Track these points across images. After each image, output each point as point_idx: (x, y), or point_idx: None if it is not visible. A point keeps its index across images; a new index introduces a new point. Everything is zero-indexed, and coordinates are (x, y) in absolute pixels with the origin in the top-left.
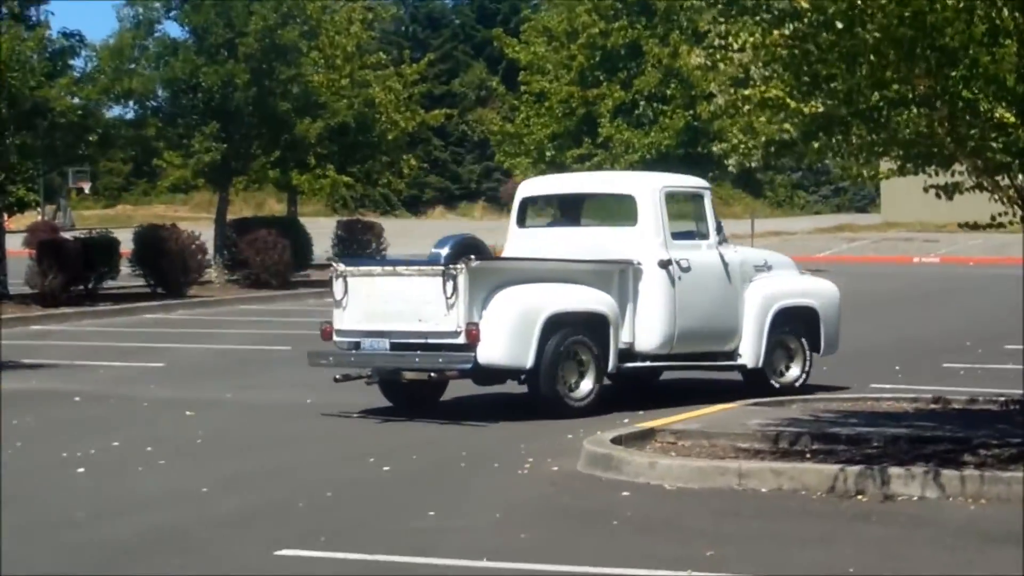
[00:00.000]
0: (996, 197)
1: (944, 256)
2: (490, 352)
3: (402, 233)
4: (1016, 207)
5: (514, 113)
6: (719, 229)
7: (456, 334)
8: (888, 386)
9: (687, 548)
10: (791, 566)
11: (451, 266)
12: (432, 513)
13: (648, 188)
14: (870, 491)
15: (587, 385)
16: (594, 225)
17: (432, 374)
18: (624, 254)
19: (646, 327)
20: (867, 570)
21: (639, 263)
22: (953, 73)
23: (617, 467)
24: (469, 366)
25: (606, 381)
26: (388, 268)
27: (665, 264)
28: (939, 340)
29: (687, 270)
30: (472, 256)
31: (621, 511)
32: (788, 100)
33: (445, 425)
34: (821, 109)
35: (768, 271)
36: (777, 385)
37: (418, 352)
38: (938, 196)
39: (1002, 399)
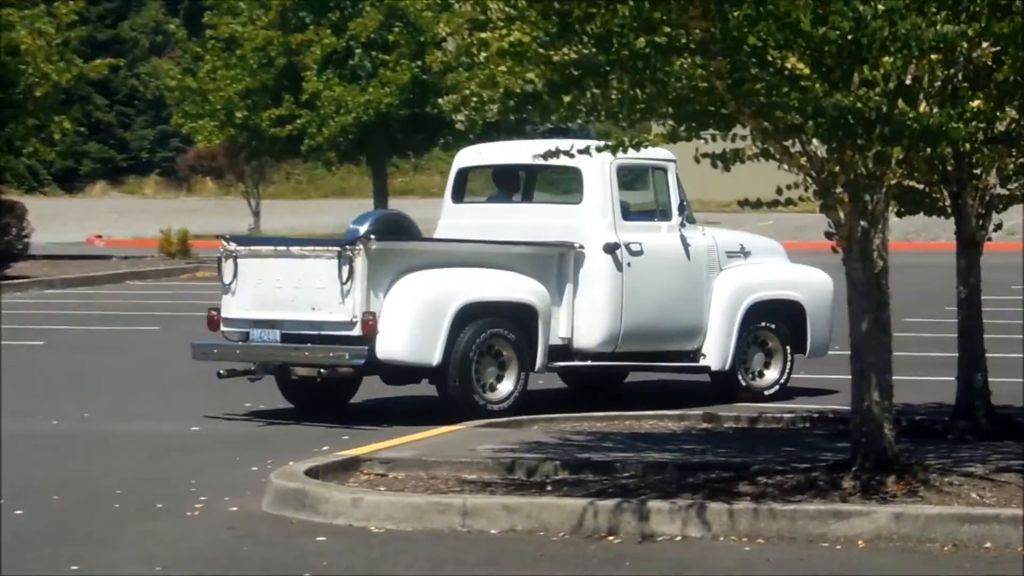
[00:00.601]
0: (786, 167)
1: None
2: (390, 346)
3: (53, 216)
4: (809, 179)
5: (198, 64)
6: (683, 208)
7: (351, 324)
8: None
9: None
10: None
11: (347, 247)
12: (75, 568)
13: (598, 159)
14: (624, 530)
15: (507, 386)
16: (538, 202)
17: (322, 371)
18: (567, 235)
19: (586, 321)
20: None
21: (580, 246)
22: (735, 13)
23: (312, 506)
24: (363, 361)
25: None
26: (281, 248)
27: (611, 248)
28: None
29: (638, 255)
30: (372, 235)
31: (315, 561)
32: (534, 46)
33: (103, 453)
34: (574, 56)
35: (745, 257)
36: (750, 390)
37: (308, 345)
38: (714, 166)
39: (789, 415)
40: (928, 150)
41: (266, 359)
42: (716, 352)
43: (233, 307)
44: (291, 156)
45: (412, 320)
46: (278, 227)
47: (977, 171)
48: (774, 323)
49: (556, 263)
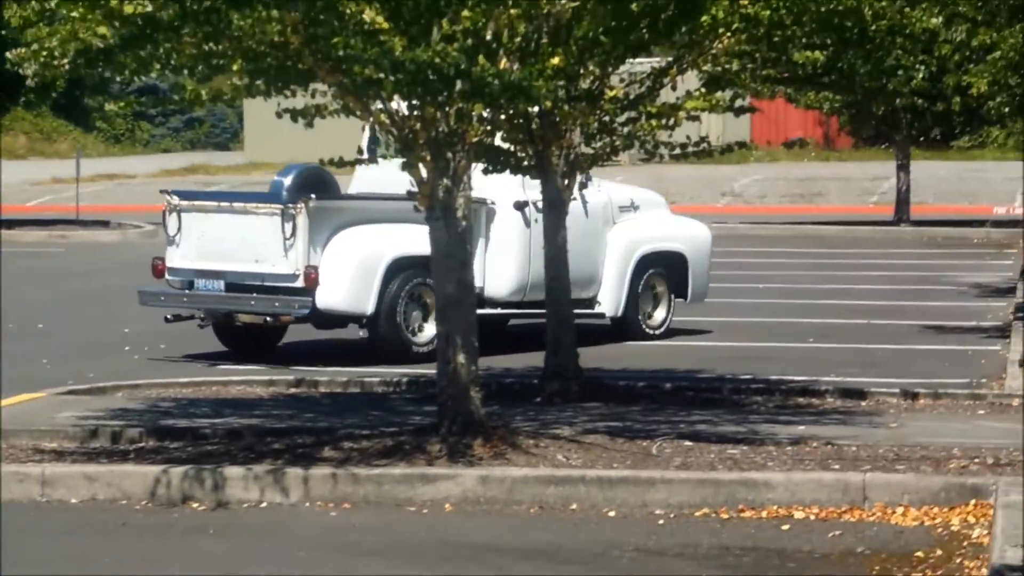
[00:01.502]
0: (369, 125)
1: None
2: (329, 297)
3: None
4: (391, 136)
5: None
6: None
7: (294, 277)
8: (242, 367)
9: None
10: None
11: (290, 205)
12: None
13: None
14: (207, 497)
15: (431, 330)
16: None
17: (268, 319)
18: (480, 193)
19: (497, 272)
20: None
21: (492, 203)
22: None
23: None
24: (307, 311)
25: None
26: (224, 204)
27: (520, 205)
28: None
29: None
30: (312, 195)
31: None
32: None
33: None
34: (149, 8)
35: (635, 211)
36: (642, 331)
37: (254, 295)
38: (294, 120)
39: (378, 380)
40: (510, 108)
41: (213, 307)
42: (610, 300)
43: (177, 258)
44: None
45: (350, 273)
46: None
47: (562, 129)
48: (660, 271)
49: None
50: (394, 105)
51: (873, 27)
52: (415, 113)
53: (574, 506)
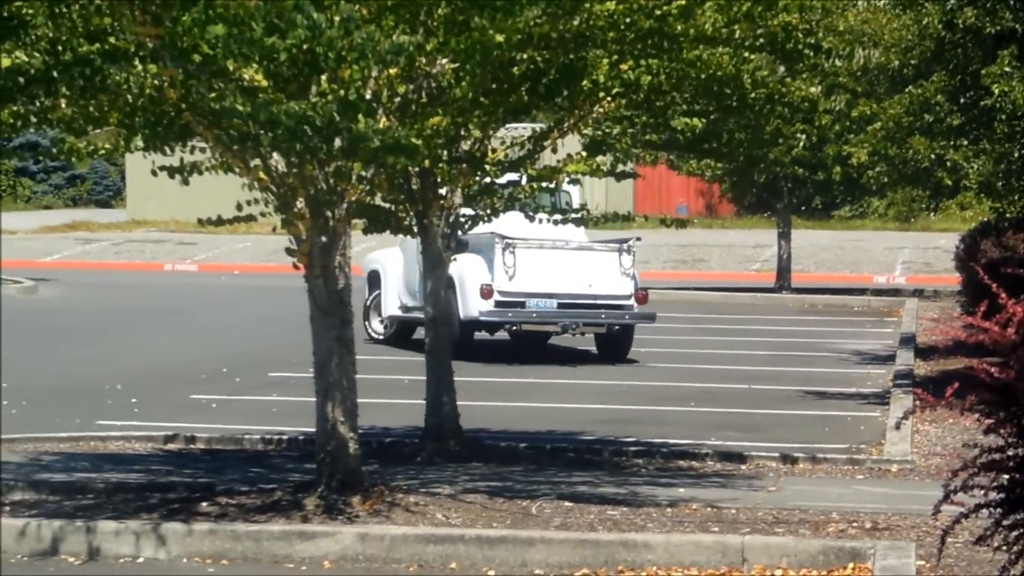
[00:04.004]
0: (247, 183)
1: (203, 263)
2: (640, 311)
3: None
4: (270, 193)
5: None
6: None
7: (629, 296)
8: (120, 423)
9: None
10: None
11: (625, 245)
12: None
13: None
14: (78, 550)
15: None
16: None
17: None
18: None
19: None
20: None
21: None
22: (184, 17)
23: None
24: (631, 321)
25: None
26: (559, 242)
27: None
28: (189, 366)
29: None
30: (638, 238)
31: None
32: None
33: None
34: (22, 59)
35: None
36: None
37: (590, 311)
38: (171, 176)
39: (259, 437)
40: (390, 167)
41: (553, 320)
42: None
43: (508, 283)
44: None
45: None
46: None
47: (443, 191)
48: None
49: None
50: (273, 162)
51: (752, 95)
52: (293, 170)
53: (453, 565)
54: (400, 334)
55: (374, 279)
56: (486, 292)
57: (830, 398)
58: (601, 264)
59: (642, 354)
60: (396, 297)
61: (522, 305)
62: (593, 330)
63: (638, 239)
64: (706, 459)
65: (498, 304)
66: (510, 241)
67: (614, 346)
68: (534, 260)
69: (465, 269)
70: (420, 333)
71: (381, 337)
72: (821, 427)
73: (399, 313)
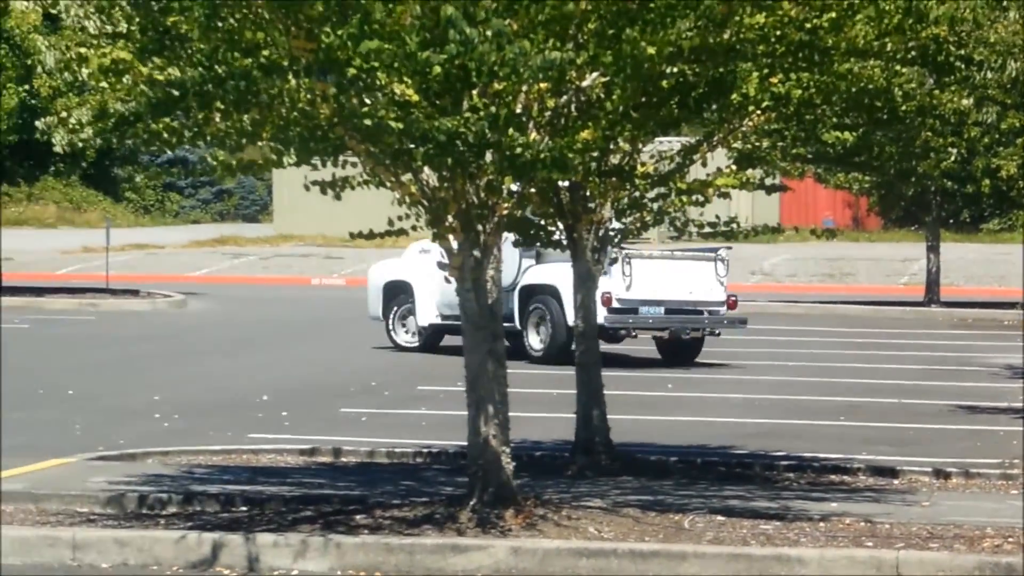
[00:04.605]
0: (398, 197)
1: (351, 277)
2: (731, 315)
3: None
4: (421, 208)
5: None
6: None
7: (723, 303)
8: (271, 436)
9: None
10: None
11: (720, 254)
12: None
13: None
14: (235, 563)
15: None
16: None
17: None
18: None
19: None
20: None
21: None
22: (339, 32)
23: None
24: (726, 325)
25: None
26: (667, 253)
27: None
28: (339, 380)
29: None
30: (728, 247)
31: None
32: (136, 63)
33: None
34: (174, 73)
35: None
36: None
37: (691, 316)
38: (323, 192)
39: (410, 451)
40: (541, 181)
41: (666, 326)
42: None
43: (624, 292)
44: None
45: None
46: None
47: (592, 204)
48: None
49: None
50: (424, 176)
51: (903, 108)
52: (445, 185)
53: None
54: (431, 343)
55: (394, 290)
56: (607, 300)
57: (981, 412)
58: (700, 273)
59: (789, 368)
60: (433, 307)
61: (635, 312)
62: (695, 335)
63: (729, 248)
64: (858, 473)
65: (614, 311)
66: (629, 252)
67: (686, 351)
68: (646, 270)
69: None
70: (447, 340)
71: (412, 346)
72: (973, 442)
73: (438, 322)
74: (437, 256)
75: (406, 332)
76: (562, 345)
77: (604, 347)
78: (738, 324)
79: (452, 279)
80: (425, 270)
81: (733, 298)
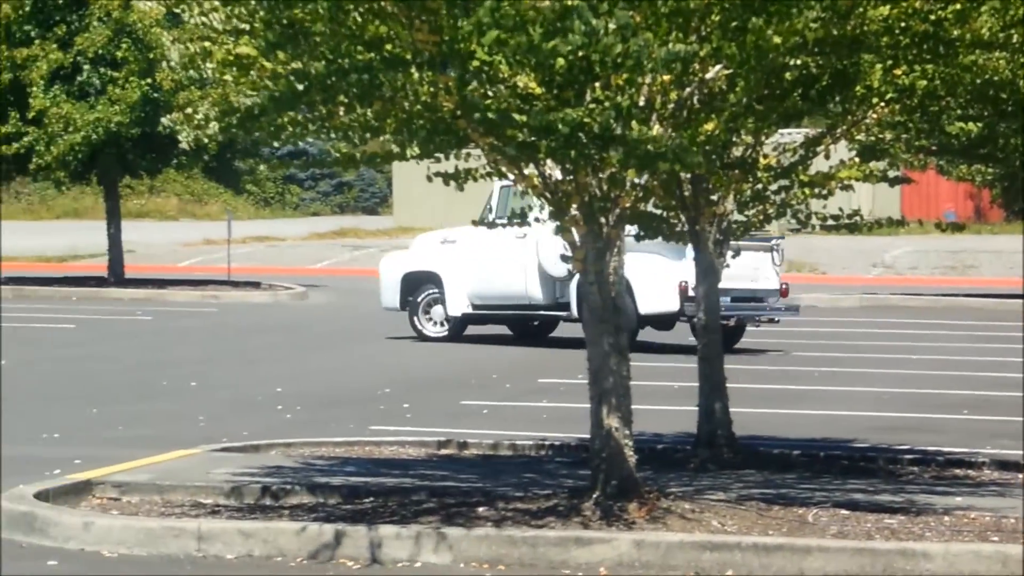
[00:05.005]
0: (522, 189)
1: None
2: (784, 301)
3: None
4: (544, 200)
5: None
6: None
7: (778, 292)
8: (393, 428)
9: None
10: None
11: (776, 243)
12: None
13: None
14: (361, 555)
15: None
16: None
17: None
18: None
19: None
20: None
21: None
22: (464, 22)
23: (42, 529)
24: (784, 313)
25: None
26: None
27: None
28: (458, 373)
29: None
30: (781, 236)
31: None
32: (261, 58)
33: None
34: (298, 67)
35: None
36: None
37: (753, 303)
38: (446, 183)
39: (532, 443)
40: (664, 174)
41: (735, 313)
42: None
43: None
44: (20, 175)
45: None
46: (13, 247)
47: (714, 197)
48: None
49: None
50: (547, 168)
51: None
52: (568, 178)
53: (730, 572)
54: (458, 333)
55: (415, 281)
56: (683, 289)
57: None
58: (759, 262)
59: (912, 361)
60: (464, 297)
61: None
62: (754, 322)
63: (781, 237)
64: (983, 468)
65: (690, 300)
66: None
67: (727, 339)
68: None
69: (650, 268)
70: (471, 330)
71: (439, 335)
72: None
73: (470, 311)
74: (461, 246)
75: (431, 322)
76: (631, 335)
77: (648, 335)
78: (792, 311)
79: (546, 267)
80: (452, 260)
81: (785, 286)
